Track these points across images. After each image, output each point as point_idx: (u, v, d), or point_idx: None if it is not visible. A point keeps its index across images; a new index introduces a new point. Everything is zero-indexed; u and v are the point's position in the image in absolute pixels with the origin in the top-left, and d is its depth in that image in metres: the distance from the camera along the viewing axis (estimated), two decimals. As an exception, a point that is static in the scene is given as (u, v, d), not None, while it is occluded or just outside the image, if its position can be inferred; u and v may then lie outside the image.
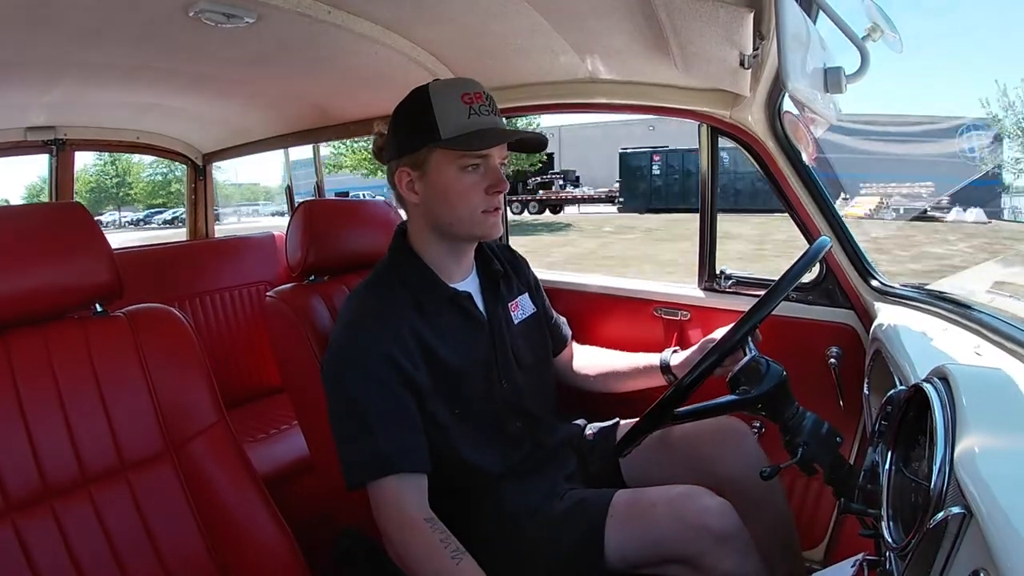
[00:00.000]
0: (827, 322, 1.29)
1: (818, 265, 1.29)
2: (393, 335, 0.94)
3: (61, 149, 1.98)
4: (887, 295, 1.19)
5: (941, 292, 1.11)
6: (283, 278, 2.12)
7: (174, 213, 23.85)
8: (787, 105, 1.21)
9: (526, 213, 20.77)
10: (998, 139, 14.78)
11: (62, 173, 2.01)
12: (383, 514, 0.89)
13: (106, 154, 19.60)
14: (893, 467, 0.65)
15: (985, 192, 14.98)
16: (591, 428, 1.20)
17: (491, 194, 0.97)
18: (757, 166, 1.30)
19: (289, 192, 2.55)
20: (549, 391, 1.17)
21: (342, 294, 1.23)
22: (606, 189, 21.54)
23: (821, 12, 0.81)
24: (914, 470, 0.61)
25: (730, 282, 1.43)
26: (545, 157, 21.95)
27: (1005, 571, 0.39)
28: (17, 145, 1.91)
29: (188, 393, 0.93)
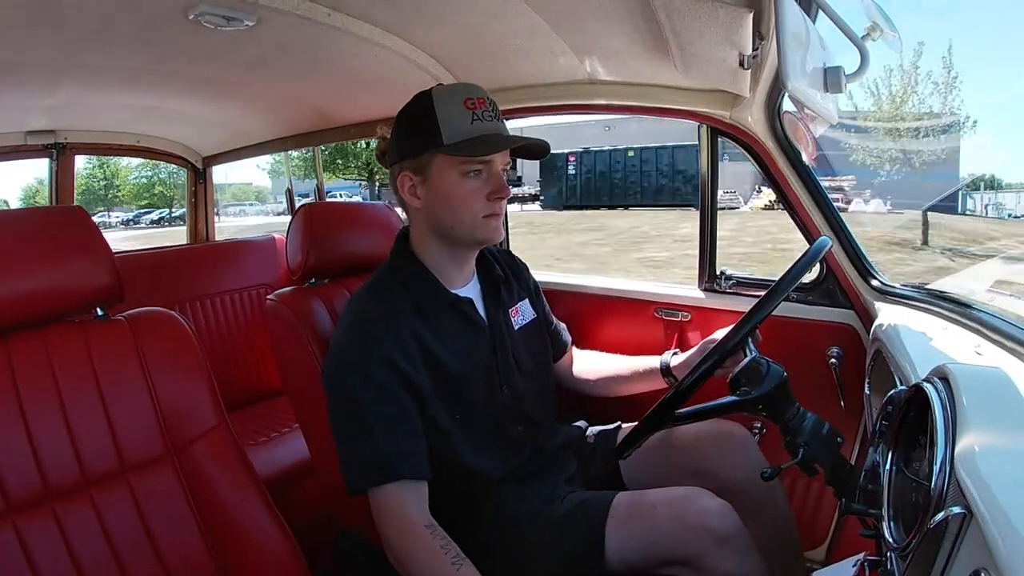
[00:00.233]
0: (827, 322, 1.29)
1: (818, 265, 1.29)
2: (394, 338, 0.94)
3: (61, 153, 1.98)
4: (887, 295, 1.19)
5: (941, 292, 1.11)
6: (284, 281, 2.12)
7: (161, 214, 24.45)
8: (787, 105, 1.21)
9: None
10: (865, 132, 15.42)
11: (62, 177, 2.01)
12: (384, 519, 0.89)
13: (95, 158, 19.77)
14: (894, 467, 0.64)
15: (897, 185, 15.60)
16: (592, 431, 1.20)
17: (493, 200, 0.97)
18: (757, 166, 1.30)
19: (289, 194, 2.55)
20: (549, 396, 1.17)
21: (343, 297, 1.23)
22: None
23: (821, 12, 0.81)
24: (915, 470, 0.61)
25: (730, 283, 1.43)
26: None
27: (1006, 571, 0.39)
28: (18, 149, 1.91)
29: (189, 396, 0.93)
